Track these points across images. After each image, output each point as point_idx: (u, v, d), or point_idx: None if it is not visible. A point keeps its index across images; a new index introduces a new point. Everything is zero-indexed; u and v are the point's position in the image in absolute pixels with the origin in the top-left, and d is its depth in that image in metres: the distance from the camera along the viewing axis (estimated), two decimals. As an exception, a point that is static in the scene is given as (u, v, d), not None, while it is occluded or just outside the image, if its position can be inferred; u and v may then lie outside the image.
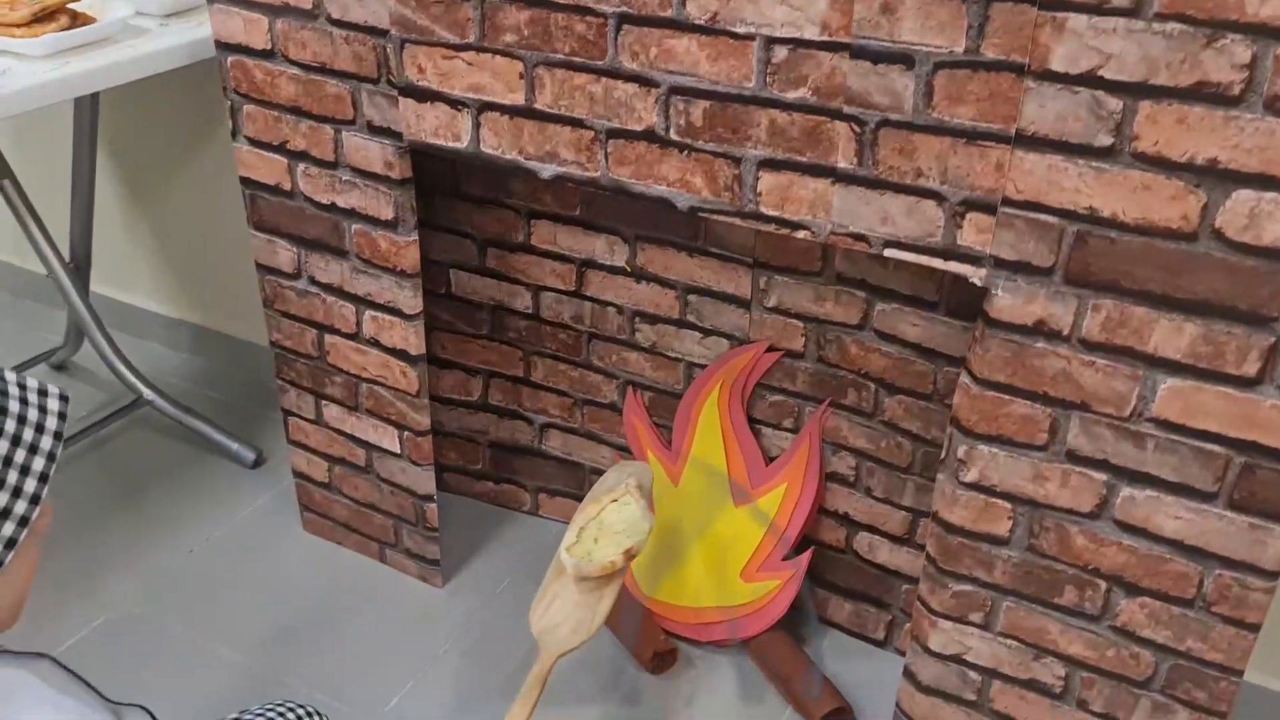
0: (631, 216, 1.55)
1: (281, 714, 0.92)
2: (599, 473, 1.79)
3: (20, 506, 0.72)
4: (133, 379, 2.01)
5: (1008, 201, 1.01)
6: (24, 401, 0.74)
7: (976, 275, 1.06)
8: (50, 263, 1.89)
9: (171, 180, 2.14)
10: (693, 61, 1.11)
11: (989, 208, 1.03)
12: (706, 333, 1.58)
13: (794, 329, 1.50)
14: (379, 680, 1.58)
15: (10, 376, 0.75)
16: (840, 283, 1.43)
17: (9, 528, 0.72)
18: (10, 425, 0.73)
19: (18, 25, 1.44)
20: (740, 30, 1.07)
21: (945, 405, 1.40)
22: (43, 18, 1.46)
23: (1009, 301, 1.05)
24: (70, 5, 1.50)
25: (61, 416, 0.75)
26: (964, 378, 1.13)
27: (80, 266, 2.01)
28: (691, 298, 1.57)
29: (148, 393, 2.03)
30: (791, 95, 1.07)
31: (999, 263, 1.04)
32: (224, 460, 2.02)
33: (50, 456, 0.74)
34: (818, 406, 1.53)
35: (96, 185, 2.01)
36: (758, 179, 1.14)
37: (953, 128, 1.01)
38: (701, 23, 1.08)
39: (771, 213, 1.15)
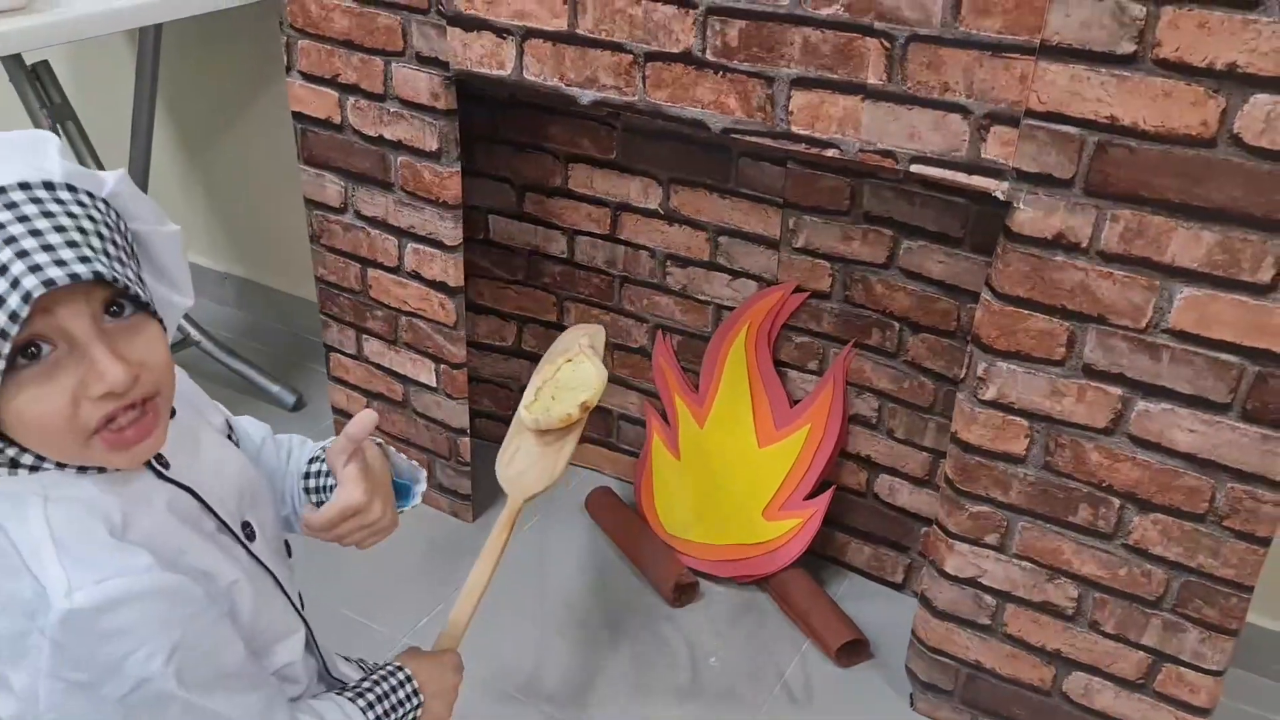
0: (666, 159, 1.59)
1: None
2: (627, 419, 1.84)
3: None
4: (182, 320, 2.08)
5: (1030, 113, 1.05)
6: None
7: (999, 189, 1.10)
8: (107, 203, 1.96)
9: (224, 138, 2.22)
10: (730, -18, 1.16)
11: (1012, 120, 1.06)
12: (736, 274, 1.62)
13: (821, 269, 1.54)
14: (408, 604, 1.62)
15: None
16: (868, 221, 1.46)
17: None
18: None
19: (87, -43, 1.51)
20: (777, -50, 1.12)
21: (968, 343, 1.42)
22: (111, -49, 1.53)
23: (1029, 215, 1.09)
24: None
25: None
26: (984, 294, 1.17)
27: (135, 209, 2.08)
28: (722, 239, 1.61)
29: (195, 334, 2.09)
30: (824, 12, 1.12)
31: (1021, 175, 1.08)
32: (265, 402, 2.08)
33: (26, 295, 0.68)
34: (843, 347, 1.56)
35: (154, 133, 2.09)
36: (789, 98, 1.18)
37: (979, 41, 1.05)
38: (740, -57, 1.13)
39: (802, 131, 1.19)
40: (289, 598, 0.90)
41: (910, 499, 1.59)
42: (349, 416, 1.85)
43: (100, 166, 1.95)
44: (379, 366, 1.75)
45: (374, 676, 0.93)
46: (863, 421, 1.59)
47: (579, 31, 1.28)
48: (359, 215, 1.63)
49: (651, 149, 1.59)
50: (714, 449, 1.68)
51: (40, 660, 0.68)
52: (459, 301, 1.60)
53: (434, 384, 1.70)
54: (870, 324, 1.53)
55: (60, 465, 0.72)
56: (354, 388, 1.81)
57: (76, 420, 0.68)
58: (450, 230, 1.54)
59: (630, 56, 1.26)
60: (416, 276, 1.62)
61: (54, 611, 0.67)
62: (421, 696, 0.94)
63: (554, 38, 1.31)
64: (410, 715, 0.93)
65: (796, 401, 1.64)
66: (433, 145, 1.49)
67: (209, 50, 2.13)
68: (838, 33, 1.12)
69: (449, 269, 1.57)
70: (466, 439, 1.72)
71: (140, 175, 2.09)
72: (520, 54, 1.34)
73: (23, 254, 0.65)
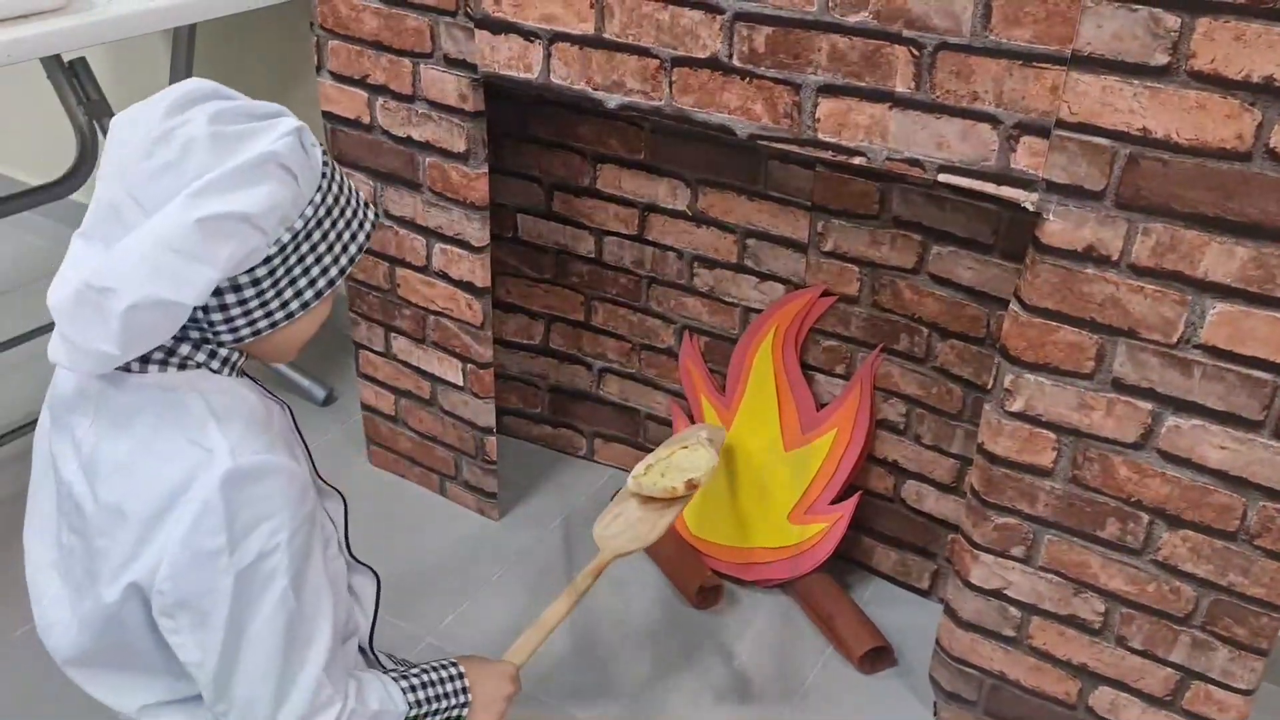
0: (694, 160, 1.58)
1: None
2: (654, 419, 1.84)
3: (332, 273, 0.85)
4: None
5: (1061, 124, 1.03)
6: (352, 204, 0.87)
7: (1029, 200, 1.08)
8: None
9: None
10: (757, -13, 1.14)
11: (1043, 131, 1.04)
12: (763, 277, 1.61)
13: (849, 273, 1.52)
14: (434, 601, 1.64)
15: (350, 182, 0.89)
16: (897, 226, 1.45)
17: (318, 286, 0.84)
18: (346, 214, 0.86)
19: (123, -41, 1.52)
20: (804, -44, 1.10)
21: (999, 342, 1.41)
22: (147, -48, 1.54)
23: (1060, 226, 1.07)
24: (172, -56, 1.59)
25: (374, 225, 0.90)
26: (1013, 305, 1.15)
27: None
28: (750, 242, 1.60)
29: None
30: (853, 19, 1.10)
31: (1051, 186, 1.06)
32: (296, 396, 2.10)
33: (360, 248, 0.87)
34: (870, 352, 1.55)
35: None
36: (816, 105, 1.17)
37: (1009, 50, 1.03)
38: (767, -51, 1.12)
39: (829, 139, 1.18)
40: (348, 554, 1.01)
41: (937, 505, 1.57)
42: (379, 414, 1.87)
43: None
44: (407, 364, 1.77)
45: (425, 665, 0.99)
46: (890, 426, 1.57)
47: (606, 35, 1.28)
48: (388, 214, 1.64)
49: (680, 150, 1.59)
50: (740, 451, 1.67)
51: (177, 529, 0.79)
52: (486, 302, 1.60)
53: (461, 383, 1.71)
54: (898, 329, 1.51)
55: (221, 366, 0.85)
56: (383, 385, 1.83)
57: None
58: (477, 231, 1.54)
59: (657, 61, 1.26)
60: (444, 276, 1.62)
61: (217, 467, 0.78)
62: (469, 695, 0.98)
63: (581, 41, 1.30)
64: (456, 710, 0.98)
65: (823, 405, 1.63)
66: (460, 147, 1.49)
67: (243, 47, 2.14)
68: (865, 40, 1.11)
69: (476, 270, 1.58)
70: (493, 438, 1.72)
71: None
72: (547, 57, 1.34)
73: (357, 195, 0.87)
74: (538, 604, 1.64)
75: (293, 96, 2.13)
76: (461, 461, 1.79)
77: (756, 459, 1.66)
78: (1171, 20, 0.94)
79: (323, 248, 0.83)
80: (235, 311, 0.82)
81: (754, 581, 1.64)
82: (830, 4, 1.11)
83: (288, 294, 0.83)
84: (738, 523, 1.67)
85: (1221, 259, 1.00)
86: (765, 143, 1.23)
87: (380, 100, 1.54)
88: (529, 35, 1.34)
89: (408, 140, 1.54)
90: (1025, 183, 1.08)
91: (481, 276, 1.58)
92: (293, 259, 0.82)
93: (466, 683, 1.00)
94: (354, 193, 0.88)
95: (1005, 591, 1.29)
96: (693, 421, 1.73)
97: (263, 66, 2.14)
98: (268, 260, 0.80)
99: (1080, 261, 1.07)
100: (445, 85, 1.45)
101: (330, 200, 0.84)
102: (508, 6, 1.34)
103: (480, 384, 1.68)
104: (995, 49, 1.04)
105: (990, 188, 1.10)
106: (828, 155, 1.19)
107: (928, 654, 1.47)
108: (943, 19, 1.05)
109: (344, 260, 0.85)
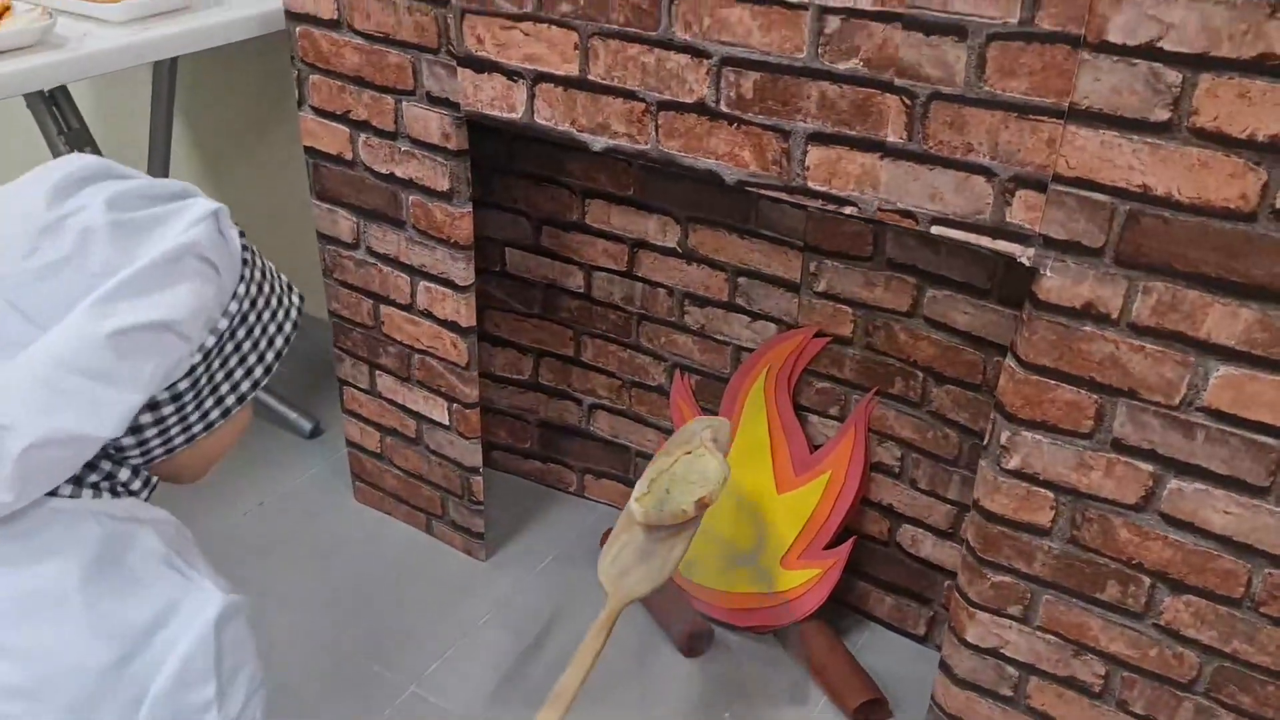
0: (684, 197, 1.55)
1: None
2: (645, 456, 1.80)
3: (256, 375, 0.76)
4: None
5: (1059, 178, 0.99)
6: (275, 289, 0.80)
7: (1025, 255, 1.04)
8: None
9: (240, 155, 2.20)
10: (745, 31, 1.11)
11: (1039, 185, 1.01)
12: (755, 316, 1.57)
13: (843, 314, 1.48)
14: (419, 648, 1.60)
15: (269, 265, 0.80)
16: (891, 268, 1.41)
17: (241, 391, 0.75)
18: (271, 303, 0.77)
19: (100, -10, 1.49)
20: (793, 0, 1.07)
21: (994, 397, 1.37)
22: (124, -15, 1.51)
23: (1057, 282, 1.03)
24: (151, -26, 1.55)
25: (299, 311, 0.82)
26: (1009, 361, 1.11)
27: (153, 234, 2.08)
28: (741, 280, 1.56)
29: (212, 359, 2.08)
30: (843, 67, 1.07)
31: (1048, 242, 1.02)
32: (282, 429, 2.07)
33: (286, 340, 0.78)
34: (864, 394, 1.51)
35: (171, 161, 2.08)
36: (806, 152, 1.13)
37: (1005, 101, 0.99)
38: (754, -7, 1.08)
39: (819, 187, 1.14)
40: None
41: (934, 551, 1.53)
42: (364, 451, 1.83)
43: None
44: (392, 402, 1.73)
45: None
46: (885, 470, 1.54)
47: (590, 77, 1.24)
48: (371, 252, 1.60)
49: (669, 187, 1.55)
50: (731, 492, 1.63)
51: (147, 691, 0.64)
52: (471, 342, 1.57)
53: (447, 422, 1.67)
54: (893, 372, 1.47)
55: (141, 489, 0.73)
56: (367, 421, 1.79)
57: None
58: (462, 271, 1.51)
59: (643, 104, 1.22)
60: (429, 315, 1.59)
61: (211, 608, 0.66)
62: None
63: (565, 82, 1.27)
64: None
65: (817, 446, 1.59)
66: (444, 185, 1.45)
67: (226, 77, 2.11)
68: (856, 88, 1.07)
69: (461, 309, 1.54)
70: (479, 478, 1.69)
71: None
72: (531, 97, 1.30)
73: (280, 279, 0.79)
74: (526, 650, 1.60)
75: (277, 126, 2.09)
76: (448, 501, 1.75)
77: (748, 500, 1.62)
78: (1173, 76, 0.90)
79: (247, 345, 0.73)
80: (151, 432, 0.70)
81: (745, 627, 1.60)
82: (819, 51, 1.07)
83: (209, 403, 0.72)
84: (728, 566, 1.63)
85: (1225, 321, 0.96)
86: (754, 189, 1.19)
87: (363, 136, 1.50)
88: (512, 75, 1.30)
89: (390, 177, 1.50)
90: (1021, 237, 1.04)
91: (466, 316, 1.54)
92: (216, 364, 0.71)
93: None
94: (276, 276, 0.79)
95: (1002, 650, 1.25)
96: (684, 461, 1.69)
97: (246, 95, 2.10)
98: (191, 370, 0.70)
99: (1078, 319, 1.03)
100: (428, 123, 1.42)
101: (254, 290, 0.74)
102: (490, 46, 1.30)
103: (466, 424, 1.64)
104: (990, 100, 1.00)
105: (985, 241, 1.07)
106: (818, 204, 1.15)
107: (924, 705, 1.43)
108: (935, 68, 1.02)
109: (270, 356, 0.76)
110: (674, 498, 1.19)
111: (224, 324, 0.72)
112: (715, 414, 1.66)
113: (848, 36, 1.05)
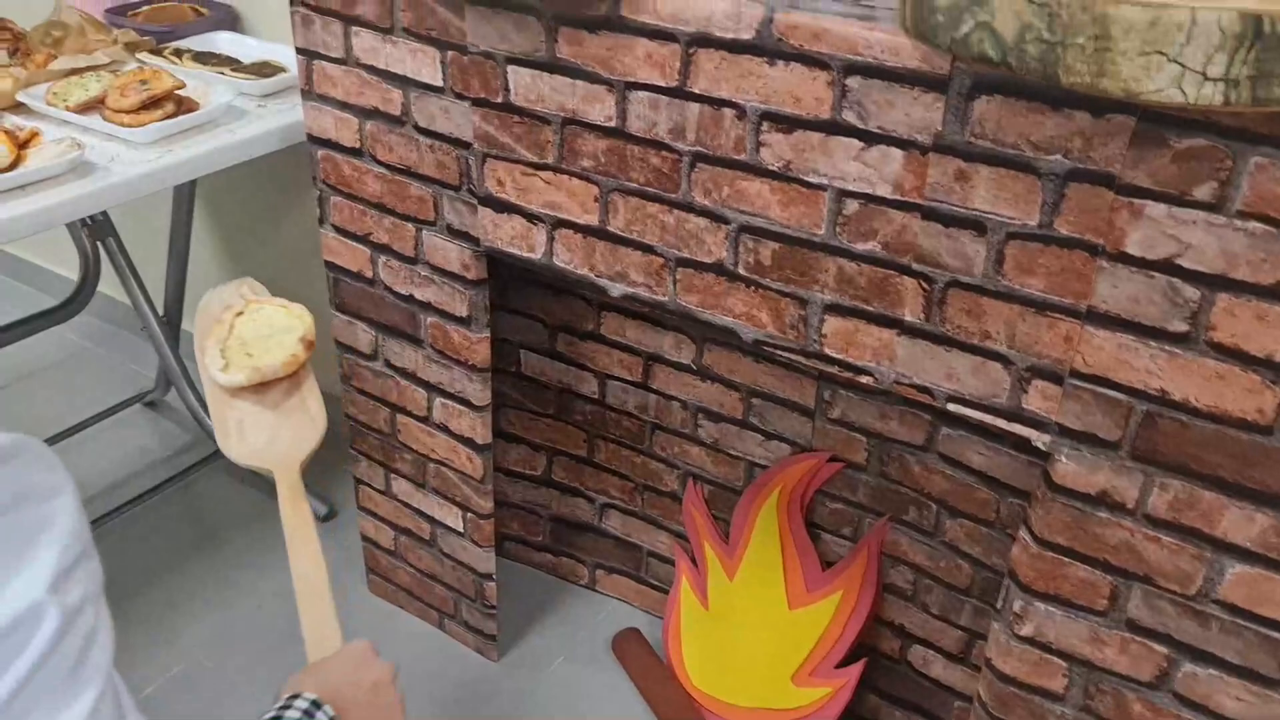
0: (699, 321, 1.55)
1: None
2: (657, 556, 1.81)
3: None
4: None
5: (1076, 374, 1.00)
6: None
7: (1041, 440, 1.05)
8: (145, 316, 1.97)
9: (261, 238, 2.22)
10: (764, 204, 1.11)
11: (1056, 377, 1.01)
12: (769, 436, 1.58)
13: (857, 442, 1.49)
14: (430, 755, 1.61)
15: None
16: (905, 403, 1.42)
17: None
18: None
19: (127, 112, 1.51)
20: (812, 180, 1.07)
21: (1007, 534, 1.38)
22: (150, 104, 1.52)
23: (1073, 469, 1.04)
24: (177, 91, 1.57)
25: None
26: (1022, 533, 1.12)
27: (172, 321, 2.10)
28: (755, 401, 1.57)
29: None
30: (861, 247, 1.07)
31: (1064, 431, 1.03)
32: (296, 512, 2.08)
33: None
34: (878, 517, 1.52)
35: (192, 241, 2.09)
36: (823, 321, 1.14)
37: (1022, 296, 1.00)
38: (775, 169, 1.09)
39: (836, 355, 1.14)
40: None
41: (945, 672, 1.54)
42: (378, 547, 1.84)
43: (139, 282, 1.96)
44: (407, 505, 1.74)
45: None
46: (897, 592, 1.54)
47: (610, 229, 1.25)
48: (389, 365, 1.61)
49: (685, 308, 1.56)
50: (743, 604, 1.64)
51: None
52: (486, 458, 1.58)
53: (461, 529, 1.68)
54: (907, 500, 1.48)
55: None
56: (382, 520, 1.80)
57: None
58: (479, 392, 1.52)
59: (661, 259, 1.23)
60: (444, 429, 1.60)
61: None
62: (330, 710, 0.81)
63: (585, 230, 1.27)
64: None
65: (829, 564, 1.60)
66: (463, 311, 1.46)
67: (247, 173, 2.12)
68: (874, 267, 1.08)
69: (477, 427, 1.55)
70: (493, 584, 1.70)
71: (176, 287, 2.11)
72: (550, 241, 1.31)
73: None
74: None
75: (288, 224, 2.10)
76: (460, 603, 1.76)
77: (760, 614, 1.62)
78: (1191, 291, 0.91)
79: None
80: None
81: (756, 744, 1.61)
82: (837, 230, 1.08)
83: None
84: (740, 678, 1.64)
85: (1241, 523, 0.96)
86: (771, 349, 1.20)
87: (383, 258, 1.51)
88: (532, 218, 1.31)
89: (410, 299, 1.52)
90: (1038, 423, 1.04)
91: (482, 434, 1.55)
92: None
93: (313, 698, 0.80)
94: None
95: (1012, 803, 1.25)
96: (695, 564, 1.70)
97: (261, 194, 2.11)
98: None
99: (1093, 505, 1.04)
100: (448, 253, 1.43)
101: None
102: (511, 189, 1.31)
103: (480, 534, 1.66)
104: (1008, 294, 1.01)
105: (1001, 423, 1.07)
106: (835, 370, 1.15)
107: (933, 831, 1.44)
108: (954, 259, 1.02)
109: None
110: (269, 353, 1.11)
111: None
112: (728, 525, 1.67)
113: (866, 220, 1.06)
